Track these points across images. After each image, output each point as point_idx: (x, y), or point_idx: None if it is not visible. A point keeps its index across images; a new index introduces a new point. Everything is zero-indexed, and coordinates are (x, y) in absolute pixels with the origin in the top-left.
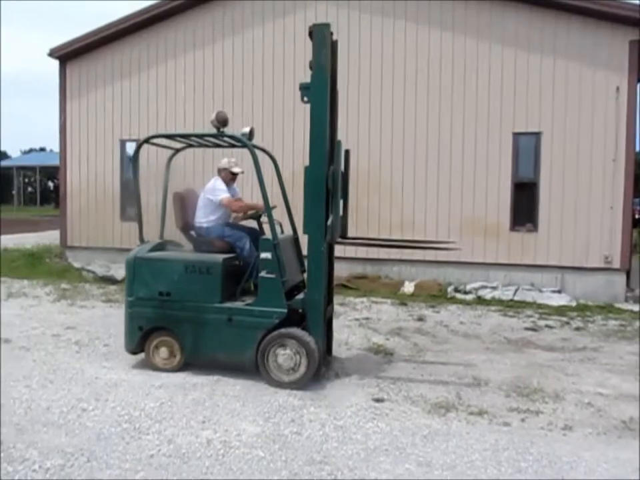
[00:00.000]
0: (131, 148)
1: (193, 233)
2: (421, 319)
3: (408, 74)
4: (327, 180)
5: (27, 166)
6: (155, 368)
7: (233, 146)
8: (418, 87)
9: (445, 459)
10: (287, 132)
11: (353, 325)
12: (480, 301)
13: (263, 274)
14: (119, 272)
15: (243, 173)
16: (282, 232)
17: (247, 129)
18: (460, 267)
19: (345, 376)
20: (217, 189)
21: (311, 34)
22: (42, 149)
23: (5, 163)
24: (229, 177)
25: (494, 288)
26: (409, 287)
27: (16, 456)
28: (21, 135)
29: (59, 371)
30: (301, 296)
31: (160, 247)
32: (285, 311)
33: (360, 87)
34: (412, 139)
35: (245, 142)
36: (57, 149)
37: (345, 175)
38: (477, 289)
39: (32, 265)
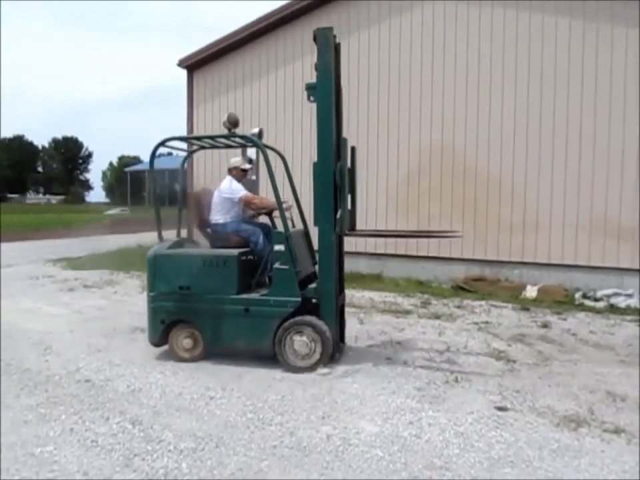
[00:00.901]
0: (251, 151)
1: (209, 229)
2: (545, 325)
3: (532, 68)
4: (335, 175)
5: (157, 169)
6: (179, 359)
7: (243, 146)
8: (543, 80)
9: (578, 477)
10: (412, 127)
11: (472, 328)
12: (612, 309)
13: (277, 265)
14: None
15: (251, 168)
16: (293, 226)
17: (256, 130)
18: (589, 271)
19: (465, 381)
20: (234, 188)
21: (315, 38)
22: (169, 154)
23: (138, 167)
24: (240, 175)
25: (629, 295)
26: (531, 292)
27: (153, 436)
28: (152, 142)
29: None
30: (313, 285)
31: (178, 244)
32: (299, 299)
33: (480, 83)
34: (536, 132)
35: (255, 141)
36: (183, 153)
37: (352, 171)
38: (609, 296)
39: None
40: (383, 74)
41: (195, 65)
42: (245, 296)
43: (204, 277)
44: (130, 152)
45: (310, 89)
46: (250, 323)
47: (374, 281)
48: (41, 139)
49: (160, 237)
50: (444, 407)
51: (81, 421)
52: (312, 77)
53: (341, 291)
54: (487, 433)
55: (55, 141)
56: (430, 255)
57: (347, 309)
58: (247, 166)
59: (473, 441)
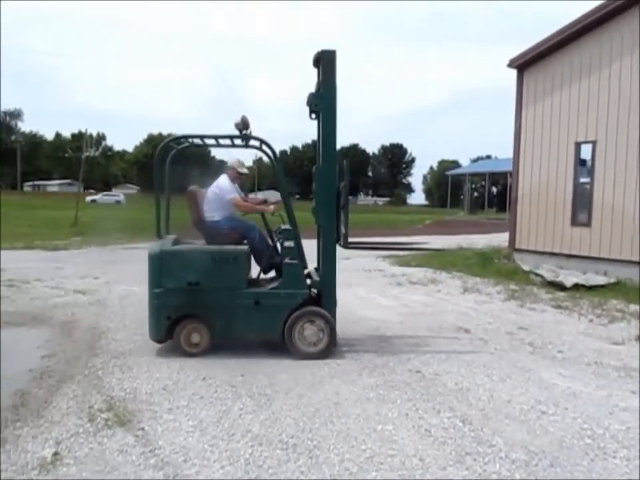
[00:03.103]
0: (586, 150)
1: (204, 226)
2: None
3: None
4: (338, 194)
5: (476, 172)
6: (185, 353)
7: (248, 146)
8: None
9: None
10: None
11: None
12: None
13: (286, 260)
14: (569, 278)
15: (247, 173)
16: (283, 222)
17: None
18: None
19: None
20: (225, 189)
21: (317, 60)
22: (488, 157)
23: (458, 171)
24: (235, 176)
25: None
26: None
27: (484, 439)
28: (471, 145)
29: (515, 368)
30: (317, 278)
31: (177, 241)
32: (308, 292)
33: None
34: None
35: (266, 142)
36: (501, 156)
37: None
38: None
39: (483, 264)
40: None
41: (525, 63)
42: (255, 289)
43: (213, 273)
44: (449, 156)
45: (313, 98)
46: (260, 315)
47: None
48: (372, 146)
49: (159, 234)
50: None
51: (414, 408)
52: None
53: None
54: None
55: (383, 148)
56: None
57: None
58: (244, 170)
59: None
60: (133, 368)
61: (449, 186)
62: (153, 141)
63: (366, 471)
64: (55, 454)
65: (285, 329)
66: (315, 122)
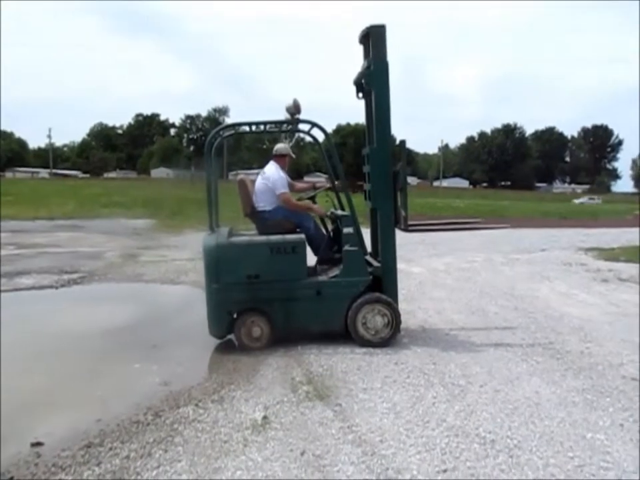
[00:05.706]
0: None
1: (256, 216)
2: None
3: None
4: (395, 176)
5: None
6: (245, 347)
7: (298, 131)
8: None
9: None
10: None
11: None
12: None
13: (346, 247)
14: None
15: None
16: (335, 208)
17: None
18: None
19: None
20: (276, 182)
21: (366, 35)
22: None
23: None
24: (285, 163)
25: None
26: None
27: None
28: None
29: None
30: (377, 264)
31: (230, 233)
32: (370, 279)
33: None
34: None
35: (320, 126)
36: None
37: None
38: None
39: None
40: None
41: None
42: (316, 279)
43: (273, 264)
44: None
45: (366, 76)
46: (322, 305)
47: None
48: (571, 129)
49: (211, 227)
50: None
51: (631, 419)
52: None
53: None
54: None
55: (584, 130)
56: None
57: None
58: (293, 154)
59: None
60: (329, 346)
61: None
62: (341, 131)
63: None
64: (265, 418)
65: (348, 317)
66: (363, 101)
